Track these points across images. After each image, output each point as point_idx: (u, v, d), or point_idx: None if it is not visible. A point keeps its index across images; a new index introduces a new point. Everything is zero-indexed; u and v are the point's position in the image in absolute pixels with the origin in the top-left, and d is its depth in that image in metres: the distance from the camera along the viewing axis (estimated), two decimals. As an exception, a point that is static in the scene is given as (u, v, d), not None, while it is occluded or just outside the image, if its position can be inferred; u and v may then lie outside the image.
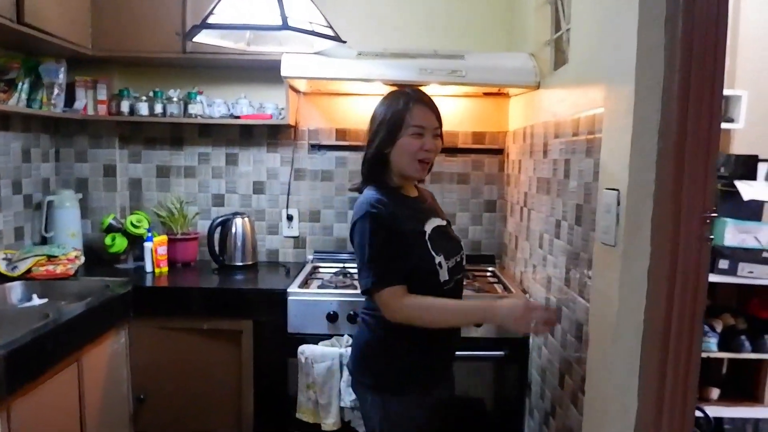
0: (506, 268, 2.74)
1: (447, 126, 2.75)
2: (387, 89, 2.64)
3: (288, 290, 2.23)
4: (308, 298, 2.22)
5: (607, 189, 1.42)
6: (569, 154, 1.80)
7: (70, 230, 2.55)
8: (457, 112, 2.82)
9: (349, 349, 2.10)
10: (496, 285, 2.48)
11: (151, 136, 2.80)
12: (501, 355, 2.18)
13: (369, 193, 1.55)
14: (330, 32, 1.94)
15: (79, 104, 2.53)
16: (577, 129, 1.72)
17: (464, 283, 1.74)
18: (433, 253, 1.51)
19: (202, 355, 2.31)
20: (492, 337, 2.20)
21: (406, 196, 1.62)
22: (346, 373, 2.14)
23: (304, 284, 2.36)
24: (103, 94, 2.56)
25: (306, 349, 2.15)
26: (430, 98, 1.59)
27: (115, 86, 2.66)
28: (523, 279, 2.40)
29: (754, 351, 2.28)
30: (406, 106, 1.53)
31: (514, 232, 2.60)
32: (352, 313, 2.21)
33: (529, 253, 2.29)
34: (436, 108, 1.59)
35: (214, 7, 1.81)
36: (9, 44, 2.27)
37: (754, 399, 2.38)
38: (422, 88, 2.50)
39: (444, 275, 1.52)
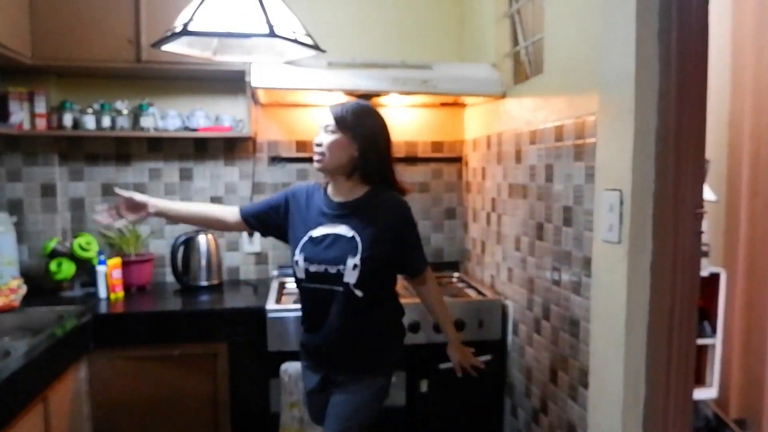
0: (471, 273, 2.81)
1: (407, 136, 2.84)
2: (346, 99, 2.66)
3: (266, 307, 2.15)
4: (289, 315, 2.15)
5: (607, 190, 1.51)
6: (551, 160, 1.89)
7: (5, 258, 2.28)
8: (416, 121, 2.86)
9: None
10: (467, 290, 2.53)
11: (94, 152, 2.58)
12: (487, 360, 2.23)
13: (302, 184, 1.84)
14: (310, 41, 1.91)
15: (15, 118, 2.28)
16: (560, 135, 1.82)
17: (350, 294, 1.65)
18: (297, 250, 1.69)
19: (172, 383, 2.16)
20: (472, 340, 2.25)
21: (329, 200, 1.73)
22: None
23: (279, 300, 2.28)
24: (41, 107, 2.34)
25: (289, 367, 2.08)
26: (339, 104, 1.72)
27: (53, 98, 2.43)
28: (494, 282, 2.47)
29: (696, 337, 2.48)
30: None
31: (479, 238, 2.67)
32: (334, 326, 2.17)
33: (502, 256, 2.37)
34: (339, 109, 1.70)
35: (194, 13, 1.71)
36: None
37: (699, 381, 2.58)
38: (382, 98, 2.61)
39: (300, 273, 1.70)
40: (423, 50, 2.80)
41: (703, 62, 1.44)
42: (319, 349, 1.72)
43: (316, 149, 1.67)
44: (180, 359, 2.14)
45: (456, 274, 2.79)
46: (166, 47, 1.85)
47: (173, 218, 1.92)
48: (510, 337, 2.28)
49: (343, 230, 1.66)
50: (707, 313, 2.55)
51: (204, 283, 2.48)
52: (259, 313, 2.15)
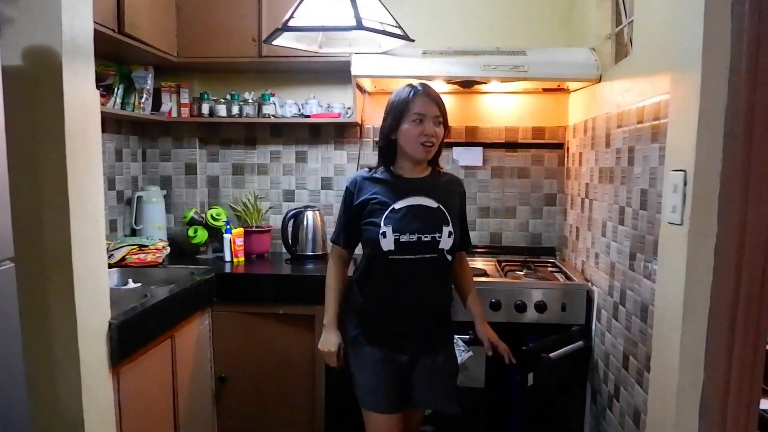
0: (567, 259, 2.79)
1: (508, 122, 2.88)
2: (448, 87, 2.79)
3: (358, 277, 2.36)
4: (377, 285, 2.34)
5: (673, 171, 1.47)
6: (633, 142, 1.85)
7: (156, 223, 2.78)
8: (516, 108, 2.89)
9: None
10: (557, 274, 2.53)
11: (227, 137, 3.00)
12: (580, 347, 2.24)
13: (357, 172, 1.89)
14: (399, 32, 2.07)
15: (165, 107, 2.75)
16: (642, 117, 1.78)
17: (440, 261, 1.76)
18: (381, 224, 1.70)
19: (277, 338, 2.47)
20: (552, 323, 2.28)
21: (399, 176, 1.79)
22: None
23: (372, 272, 2.49)
24: (185, 98, 2.78)
25: (375, 333, 2.26)
26: (434, 91, 1.77)
27: (195, 90, 2.88)
28: (584, 269, 2.45)
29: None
30: (409, 97, 1.75)
31: (574, 224, 2.64)
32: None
33: (591, 242, 2.34)
34: (440, 100, 1.76)
35: (293, 11, 1.96)
36: (104, 53, 2.50)
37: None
38: (483, 85, 2.68)
39: (388, 245, 1.70)
40: (531, 38, 2.80)
41: (785, 36, 1.34)
42: (409, 325, 1.77)
43: (431, 140, 1.72)
44: (284, 318, 2.45)
45: (551, 260, 2.78)
46: (275, 42, 2.13)
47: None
48: (594, 323, 2.26)
49: (427, 201, 1.75)
50: None
51: (310, 253, 2.77)
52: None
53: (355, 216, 1.79)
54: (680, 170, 1.44)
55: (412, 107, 1.72)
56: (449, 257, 1.77)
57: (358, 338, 1.82)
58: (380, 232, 1.71)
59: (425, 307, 1.79)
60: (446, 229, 1.73)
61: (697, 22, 1.38)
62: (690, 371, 1.43)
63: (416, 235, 1.71)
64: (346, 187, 1.83)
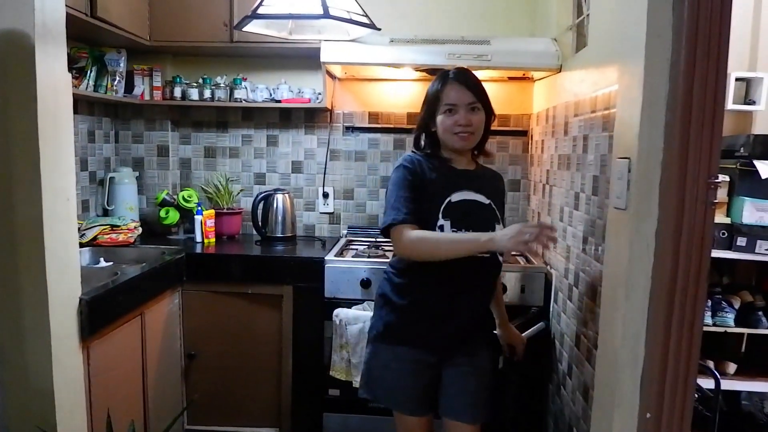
0: (530, 244, 2.88)
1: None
2: (416, 75, 2.85)
3: (325, 258, 2.43)
4: (343, 266, 2.41)
5: (619, 158, 1.56)
6: (587, 131, 1.94)
7: (128, 204, 2.80)
8: (484, 96, 2.96)
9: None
10: (518, 257, 2.63)
11: (199, 120, 3.03)
12: (543, 328, 2.32)
13: (410, 153, 1.74)
14: (366, 20, 2.12)
15: (137, 90, 2.77)
16: (595, 106, 1.87)
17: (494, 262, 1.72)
18: (440, 215, 1.62)
19: (246, 317, 2.53)
20: (512, 304, 2.36)
21: (451, 166, 1.72)
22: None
23: (340, 254, 2.56)
24: (158, 81, 2.80)
25: (340, 312, 2.34)
26: (468, 75, 1.70)
27: (168, 74, 2.89)
28: (544, 252, 2.55)
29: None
30: (440, 86, 1.68)
31: (536, 209, 2.74)
32: (384, 280, 2.40)
33: (551, 227, 2.43)
34: (473, 83, 1.68)
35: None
36: (77, 36, 2.51)
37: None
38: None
39: None
40: (497, 27, 2.87)
41: (722, 32, 1.43)
42: (449, 327, 1.67)
43: (466, 129, 1.64)
44: (253, 297, 2.50)
45: (515, 244, 2.88)
46: (245, 28, 2.16)
47: None
48: (552, 304, 2.36)
49: (479, 197, 1.68)
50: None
51: (279, 234, 2.83)
52: (320, 263, 2.43)
53: (418, 194, 1.64)
54: (625, 158, 1.53)
55: (443, 97, 1.66)
56: (501, 258, 1.71)
57: (388, 335, 1.71)
58: (438, 225, 1.62)
59: (469, 311, 1.70)
60: (498, 228, 1.65)
61: (640, 17, 1.46)
62: (631, 347, 1.53)
63: (469, 232, 1.63)
64: (404, 166, 1.67)
